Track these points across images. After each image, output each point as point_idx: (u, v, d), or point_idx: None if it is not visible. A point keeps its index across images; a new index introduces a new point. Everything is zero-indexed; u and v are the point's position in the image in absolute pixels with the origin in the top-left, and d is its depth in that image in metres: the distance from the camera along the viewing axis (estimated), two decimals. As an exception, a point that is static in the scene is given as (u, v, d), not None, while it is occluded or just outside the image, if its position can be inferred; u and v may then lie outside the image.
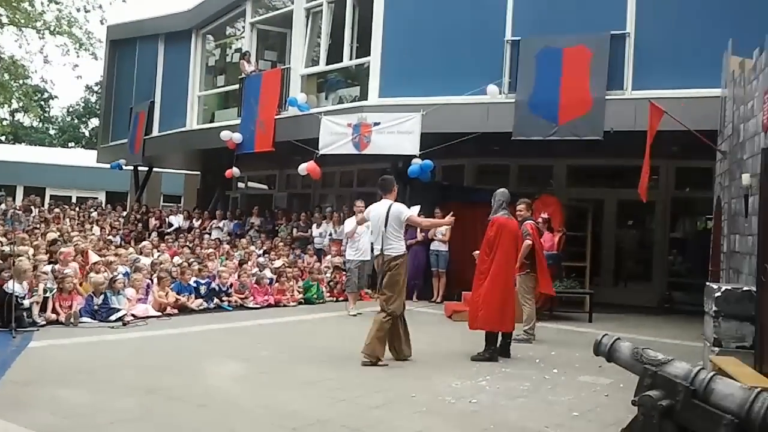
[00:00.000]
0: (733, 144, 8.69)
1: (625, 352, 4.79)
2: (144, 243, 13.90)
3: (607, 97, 11.32)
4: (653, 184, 11.81)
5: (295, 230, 16.39)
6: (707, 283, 7.42)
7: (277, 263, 13.56)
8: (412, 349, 7.73)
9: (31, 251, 10.53)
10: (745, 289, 6.67)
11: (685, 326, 10.80)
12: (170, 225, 18.83)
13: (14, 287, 8.36)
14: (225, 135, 15.33)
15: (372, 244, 7.87)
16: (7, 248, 10.19)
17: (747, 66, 8.08)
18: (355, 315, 11.13)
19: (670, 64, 11.07)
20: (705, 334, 7.33)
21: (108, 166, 21.88)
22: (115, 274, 10.18)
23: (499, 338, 8.07)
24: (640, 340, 9.11)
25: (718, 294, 6.71)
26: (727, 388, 4.14)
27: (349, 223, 11.60)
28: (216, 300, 11.42)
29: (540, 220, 11.25)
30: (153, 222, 19.13)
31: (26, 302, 8.72)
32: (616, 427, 4.67)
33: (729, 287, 6.83)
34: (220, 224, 17.72)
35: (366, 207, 11.73)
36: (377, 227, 7.67)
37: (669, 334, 10.35)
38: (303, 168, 13.57)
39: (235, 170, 15.92)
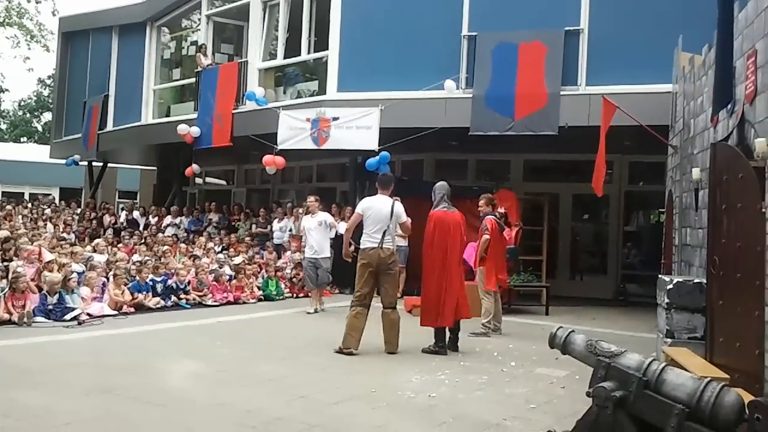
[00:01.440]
0: (683, 139, 8.88)
1: (579, 344, 4.87)
2: (98, 240, 13.63)
3: (561, 93, 11.48)
4: (607, 178, 12.04)
5: (254, 226, 16.26)
6: (660, 276, 7.60)
7: (237, 260, 13.44)
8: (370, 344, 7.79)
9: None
10: (696, 281, 6.85)
11: (639, 318, 11.04)
12: (136, 223, 18.36)
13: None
14: (182, 128, 15.13)
15: (375, 237, 7.76)
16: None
17: (697, 62, 8.26)
18: (314, 312, 11.08)
19: (622, 60, 11.27)
20: (658, 326, 7.51)
21: (62, 161, 21.41)
22: (71, 275, 9.97)
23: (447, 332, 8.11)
24: (595, 332, 9.31)
25: (670, 286, 6.88)
26: (678, 378, 4.25)
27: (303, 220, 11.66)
28: (174, 298, 11.24)
29: (497, 213, 11.36)
30: (108, 219, 18.77)
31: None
32: (572, 418, 4.75)
33: (680, 279, 7.01)
34: (176, 221, 17.43)
35: (318, 203, 11.76)
36: (381, 221, 7.79)
37: (623, 325, 10.55)
38: (269, 167, 13.55)
39: (196, 167, 15.74)
